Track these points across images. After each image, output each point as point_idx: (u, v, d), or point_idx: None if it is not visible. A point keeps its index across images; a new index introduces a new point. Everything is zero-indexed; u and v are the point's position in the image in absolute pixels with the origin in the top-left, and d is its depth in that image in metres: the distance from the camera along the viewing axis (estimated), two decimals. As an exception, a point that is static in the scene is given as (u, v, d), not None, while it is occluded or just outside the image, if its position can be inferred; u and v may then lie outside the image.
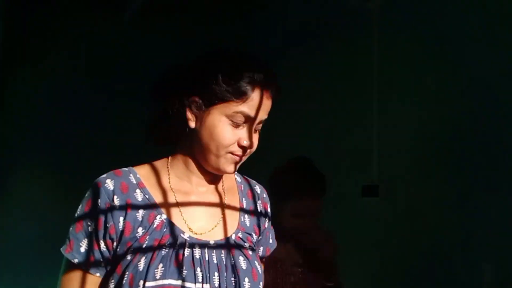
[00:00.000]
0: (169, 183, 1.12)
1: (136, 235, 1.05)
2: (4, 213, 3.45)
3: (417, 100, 2.47)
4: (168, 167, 1.14)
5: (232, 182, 1.23)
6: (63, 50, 3.70)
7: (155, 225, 1.06)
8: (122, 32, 3.87)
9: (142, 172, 1.12)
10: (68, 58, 3.71)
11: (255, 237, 1.18)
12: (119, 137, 3.58)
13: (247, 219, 1.19)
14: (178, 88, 1.11)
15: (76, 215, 1.08)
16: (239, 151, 1.09)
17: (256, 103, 1.08)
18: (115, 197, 1.05)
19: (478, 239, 2.11)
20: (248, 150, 1.11)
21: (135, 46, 3.89)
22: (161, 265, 1.02)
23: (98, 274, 1.06)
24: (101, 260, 1.05)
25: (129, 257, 1.03)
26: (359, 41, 2.89)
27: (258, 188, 1.27)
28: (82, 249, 1.05)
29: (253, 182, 1.28)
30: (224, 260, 1.08)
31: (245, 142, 1.08)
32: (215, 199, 1.16)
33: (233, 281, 1.06)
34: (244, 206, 1.20)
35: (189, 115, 1.09)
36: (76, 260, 1.05)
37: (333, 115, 2.99)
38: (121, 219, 1.05)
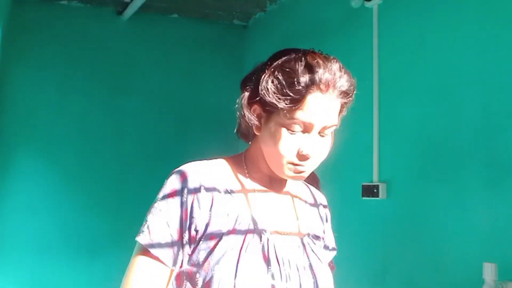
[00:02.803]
0: (248, 179, 1.09)
1: (222, 228, 1.00)
2: (4, 212, 3.45)
3: (417, 100, 2.47)
4: (244, 164, 1.11)
5: (297, 185, 1.21)
6: (63, 49, 3.71)
7: (240, 220, 1.02)
8: (122, 32, 3.87)
9: (222, 165, 1.09)
10: (68, 58, 3.71)
11: (322, 240, 1.18)
12: (119, 137, 3.58)
13: (314, 222, 1.18)
14: (244, 93, 1.06)
15: (157, 203, 1.02)
16: (298, 161, 1.01)
17: (315, 108, 0.98)
18: (202, 187, 1.01)
19: (478, 239, 2.10)
20: (312, 159, 1.02)
21: (134, 45, 3.90)
22: (251, 262, 0.99)
23: (172, 266, 1.00)
24: (180, 252, 1.00)
25: (217, 253, 0.98)
26: (359, 40, 2.89)
27: (318, 193, 1.26)
28: (162, 240, 0.99)
29: (312, 187, 1.26)
30: (301, 260, 1.06)
31: (304, 152, 1.00)
32: (288, 199, 1.15)
33: (312, 282, 1.05)
34: (310, 210, 1.19)
35: (255, 121, 1.05)
36: (155, 251, 0.98)
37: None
38: (207, 210, 1.00)
